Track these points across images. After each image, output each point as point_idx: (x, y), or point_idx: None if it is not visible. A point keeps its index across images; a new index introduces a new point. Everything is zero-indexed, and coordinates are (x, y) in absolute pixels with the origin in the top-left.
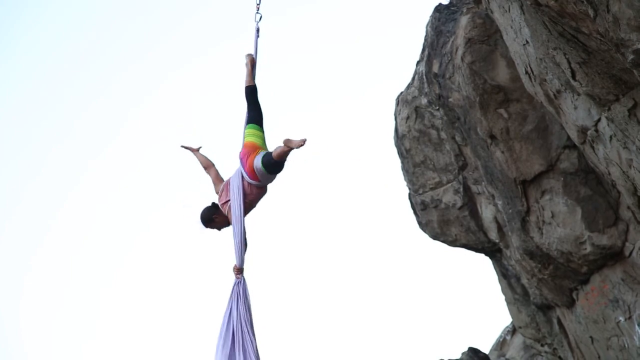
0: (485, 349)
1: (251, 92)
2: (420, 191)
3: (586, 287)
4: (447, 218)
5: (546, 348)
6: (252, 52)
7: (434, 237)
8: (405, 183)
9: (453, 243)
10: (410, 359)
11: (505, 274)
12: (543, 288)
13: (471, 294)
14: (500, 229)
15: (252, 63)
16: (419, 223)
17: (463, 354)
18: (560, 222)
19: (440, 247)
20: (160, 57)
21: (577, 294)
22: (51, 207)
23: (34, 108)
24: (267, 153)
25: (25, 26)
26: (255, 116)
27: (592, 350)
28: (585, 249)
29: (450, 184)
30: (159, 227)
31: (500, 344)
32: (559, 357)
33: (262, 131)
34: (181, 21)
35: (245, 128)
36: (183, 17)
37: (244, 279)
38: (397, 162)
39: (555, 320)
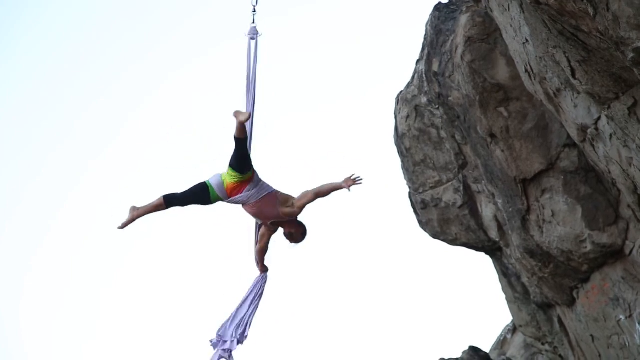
0: (486, 347)
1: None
2: (421, 190)
3: (587, 285)
4: (447, 217)
5: (547, 347)
6: (246, 110)
7: (434, 236)
8: (405, 182)
9: (453, 242)
10: (410, 358)
11: (505, 273)
12: (543, 287)
13: (472, 293)
14: (500, 227)
15: (243, 121)
16: (419, 222)
17: (464, 352)
18: (561, 221)
19: (441, 246)
20: (160, 57)
21: (578, 292)
22: (51, 207)
23: (34, 108)
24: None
25: (25, 26)
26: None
27: (593, 348)
28: (586, 247)
29: (450, 183)
30: (160, 228)
31: (501, 343)
32: (560, 355)
33: (237, 171)
34: (181, 21)
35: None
36: (183, 17)
37: (266, 277)
38: (397, 161)
39: (555, 319)
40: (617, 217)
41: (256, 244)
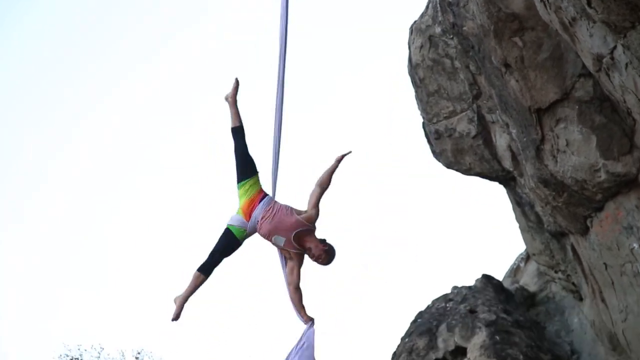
0: (499, 276)
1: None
2: (434, 120)
3: (600, 214)
4: (461, 147)
5: (560, 275)
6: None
7: (448, 165)
8: (419, 112)
9: (467, 172)
10: (424, 286)
11: (519, 202)
12: (557, 215)
13: (485, 222)
14: (514, 157)
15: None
16: (433, 152)
17: (477, 280)
18: (575, 150)
19: (455, 176)
20: (161, 56)
21: (591, 221)
22: (52, 207)
23: (35, 108)
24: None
25: (25, 26)
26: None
27: (606, 276)
28: (600, 176)
29: (464, 113)
30: (160, 227)
31: (514, 271)
32: (573, 283)
33: (246, 185)
34: (182, 21)
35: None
36: (184, 16)
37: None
38: (410, 90)
39: (569, 247)
40: (631, 147)
41: (288, 284)
